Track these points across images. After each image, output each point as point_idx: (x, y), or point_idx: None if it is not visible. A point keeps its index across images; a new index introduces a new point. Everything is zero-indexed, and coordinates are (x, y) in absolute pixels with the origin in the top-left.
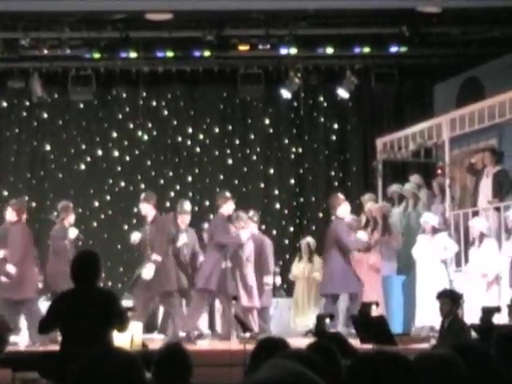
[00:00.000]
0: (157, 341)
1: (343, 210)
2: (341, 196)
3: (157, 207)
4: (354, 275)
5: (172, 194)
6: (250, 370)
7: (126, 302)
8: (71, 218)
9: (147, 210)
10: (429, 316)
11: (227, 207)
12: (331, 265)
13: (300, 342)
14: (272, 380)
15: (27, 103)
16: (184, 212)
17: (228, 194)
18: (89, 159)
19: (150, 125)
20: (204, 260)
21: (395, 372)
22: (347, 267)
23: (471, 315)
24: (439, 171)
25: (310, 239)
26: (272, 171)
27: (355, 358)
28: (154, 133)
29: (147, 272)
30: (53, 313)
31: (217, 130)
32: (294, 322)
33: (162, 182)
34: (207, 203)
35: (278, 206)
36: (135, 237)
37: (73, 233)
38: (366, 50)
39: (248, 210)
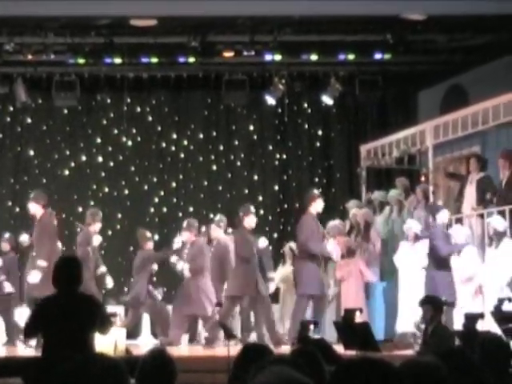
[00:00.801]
0: (140, 346)
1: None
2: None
3: (45, 208)
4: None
5: (156, 199)
6: (233, 376)
7: (111, 308)
8: (97, 226)
9: (35, 209)
10: (411, 323)
11: (316, 206)
12: None
13: (284, 348)
14: None
15: (11, 108)
16: (251, 212)
17: (316, 192)
18: (73, 165)
19: (134, 130)
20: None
21: (378, 378)
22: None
23: (455, 321)
24: (423, 178)
25: (292, 244)
26: (256, 177)
27: (339, 363)
28: (138, 138)
29: (33, 277)
30: (38, 317)
31: (201, 135)
32: (284, 327)
33: (146, 187)
34: (191, 209)
35: (262, 212)
36: (23, 238)
37: (97, 240)
38: (351, 56)
39: (216, 213)
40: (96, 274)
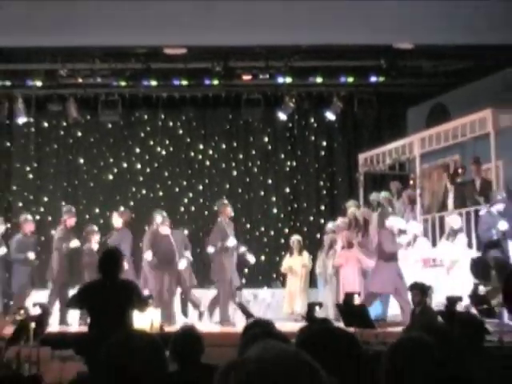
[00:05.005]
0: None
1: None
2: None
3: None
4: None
5: (185, 200)
6: (240, 350)
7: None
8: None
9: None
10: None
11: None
12: None
13: (293, 327)
14: (263, 358)
15: (64, 124)
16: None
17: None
18: (115, 171)
19: (167, 142)
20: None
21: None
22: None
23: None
24: (411, 182)
25: (297, 236)
26: (270, 181)
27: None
28: (171, 149)
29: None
30: (82, 295)
31: (223, 146)
32: (288, 308)
33: (177, 190)
34: (215, 208)
35: (275, 210)
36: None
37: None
38: (350, 79)
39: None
40: None
